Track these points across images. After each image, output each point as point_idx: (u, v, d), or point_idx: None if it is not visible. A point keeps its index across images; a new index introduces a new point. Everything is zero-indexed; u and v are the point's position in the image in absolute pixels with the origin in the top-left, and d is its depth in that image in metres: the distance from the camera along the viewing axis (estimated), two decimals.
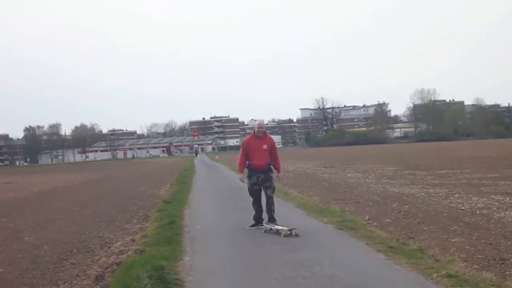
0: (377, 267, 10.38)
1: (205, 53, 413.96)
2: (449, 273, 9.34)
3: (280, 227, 14.54)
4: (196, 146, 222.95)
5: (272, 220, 15.19)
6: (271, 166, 15.50)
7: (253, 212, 15.78)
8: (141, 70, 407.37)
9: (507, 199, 19.98)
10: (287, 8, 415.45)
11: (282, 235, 14.02)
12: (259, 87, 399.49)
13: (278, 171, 15.65)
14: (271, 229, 14.79)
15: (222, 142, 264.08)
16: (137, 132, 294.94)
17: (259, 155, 15.25)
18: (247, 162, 15.41)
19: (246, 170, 15.73)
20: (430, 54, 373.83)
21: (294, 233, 13.99)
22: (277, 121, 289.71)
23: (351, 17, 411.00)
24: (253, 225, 15.57)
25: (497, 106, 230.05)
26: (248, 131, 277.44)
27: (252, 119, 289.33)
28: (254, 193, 15.59)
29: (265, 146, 15.33)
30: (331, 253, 11.67)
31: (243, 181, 15.93)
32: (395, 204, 20.06)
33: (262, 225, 15.28)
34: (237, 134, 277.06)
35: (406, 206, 19.34)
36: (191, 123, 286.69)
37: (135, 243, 14.14)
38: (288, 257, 11.50)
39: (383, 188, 26.95)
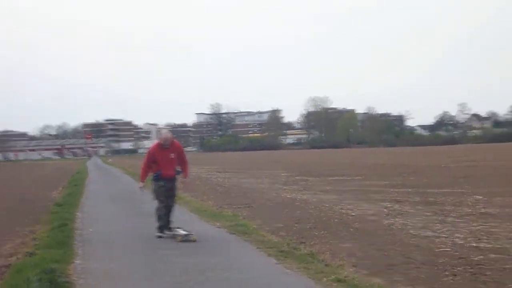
0: (269, 271, 10.49)
1: (99, 55, 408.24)
2: (339, 278, 9.52)
3: (176, 232, 14.40)
4: (90, 149, 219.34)
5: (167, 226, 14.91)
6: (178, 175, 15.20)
7: (152, 217, 15.30)
8: (33, 70, 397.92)
9: (396, 206, 20.48)
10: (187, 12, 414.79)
11: (177, 240, 13.97)
12: (155, 90, 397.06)
13: (185, 176, 15.31)
14: (173, 234, 14.54)
15: (116, 145, 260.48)
16: (29, 134, 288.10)
17: (167, 165, 14.67)
18: (158, 171, 14.74)
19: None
20: (323, 62, 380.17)
21: (191, 239, 13.88)
22: (171, 125, 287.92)
23: (249, 28, 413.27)
24: (161, 232, 14.82)
25: (388, 115, 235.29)
26: (142, 134, 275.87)
27: (147, 123, 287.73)
28: (162, 194, 14.76)
29: (172, 155, 14.72)
30: (224, 257, 11.72)
31: (142, 190, 15.54)
32: (287, 210, 20.30)
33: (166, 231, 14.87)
34: (131, 137, 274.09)
35: (298, 212, 19.59)
36: (85, 125, 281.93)
37: (25, 246, 13.83)
38: (181, 261, 11.50)
39: (276, 193, 27.21)
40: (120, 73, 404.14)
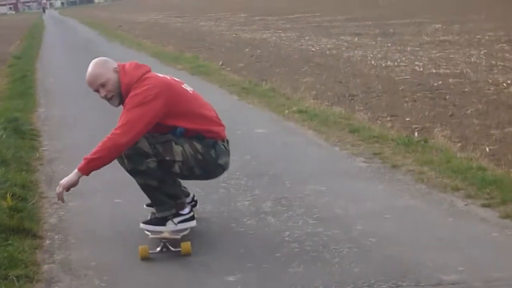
0: (232, 107, 10.56)
1: None
2: (300, 109, 9.59)
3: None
4: (45, 1, 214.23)
5: None
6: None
7: None
8: None
9: (356, 39, 20.56)
10: None
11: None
12: None
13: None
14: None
15: None
16: None
17: None
18: None
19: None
20: None
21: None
22: None
23: None
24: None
25: None
26: None
27: None
28: None
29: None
30: None
31: None
32: (247, 49, 20.28)
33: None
34: None
35: (259, 51, 19.59)
36: None
37: None
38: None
39: (235, 34, 27.08)
40: None
